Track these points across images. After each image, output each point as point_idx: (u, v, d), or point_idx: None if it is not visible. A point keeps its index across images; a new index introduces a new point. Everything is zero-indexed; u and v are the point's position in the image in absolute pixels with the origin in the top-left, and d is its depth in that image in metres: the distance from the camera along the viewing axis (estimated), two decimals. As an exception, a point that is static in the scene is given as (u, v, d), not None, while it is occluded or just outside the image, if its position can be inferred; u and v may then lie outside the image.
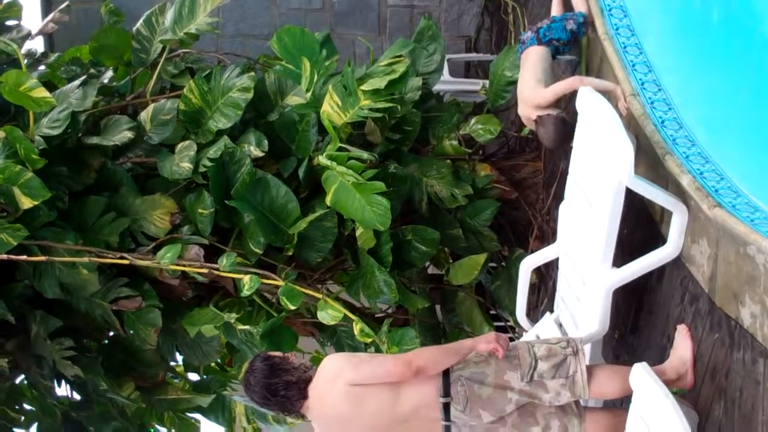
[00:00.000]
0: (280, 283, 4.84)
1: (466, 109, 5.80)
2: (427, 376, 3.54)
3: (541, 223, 5.76)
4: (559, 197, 5.42)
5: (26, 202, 4.78)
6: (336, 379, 3.53)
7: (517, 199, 5.79)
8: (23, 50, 5.55)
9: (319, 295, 4.47)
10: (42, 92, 4.71)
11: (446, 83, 6.64)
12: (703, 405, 3.76)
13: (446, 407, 3.56)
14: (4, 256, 4.74)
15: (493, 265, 5.98)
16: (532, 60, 4.80)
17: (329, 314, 4.80)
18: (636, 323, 4.53)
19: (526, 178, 5.90)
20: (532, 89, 4.69)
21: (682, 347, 3.91)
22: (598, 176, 4.03)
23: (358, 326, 4.15)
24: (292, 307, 4.79)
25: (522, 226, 5.93)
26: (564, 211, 4.55)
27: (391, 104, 5.10)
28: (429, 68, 5.79)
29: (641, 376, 3.38)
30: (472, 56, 7.46)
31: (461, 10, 7.39)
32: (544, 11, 6.05)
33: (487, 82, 6.05)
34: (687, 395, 3.89)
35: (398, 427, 3.59)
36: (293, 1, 7.39)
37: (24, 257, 4.76)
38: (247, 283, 4.82)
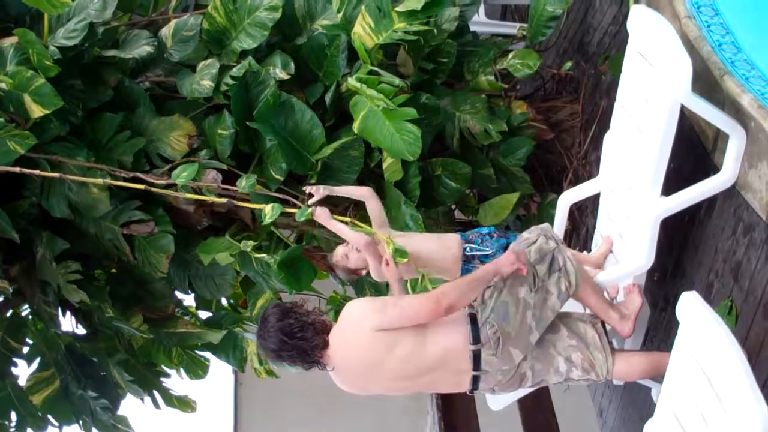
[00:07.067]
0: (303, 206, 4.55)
1: (503, 45, 5.50)
2: (454, 323, 3.32)
3: (576, 168, 5.46)
4: (597, 141, 5.16)
5: (36, 111, 4.54)
6: (361, 325, 3.24)
7: (553, 142, 5.50)
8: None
9: (347, 219, 4.21)
10: (58, -9, 4.43)
11: (482, 24, 6.36)
12: (757, 340, 3.47)
13: (476, 356, 3.31)
14: (13, 169, 4.49)
15: (523, 213, 5.68)
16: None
17: None
18: (679, 262, 4.24)
19: (563, 120, 5.60)
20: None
21: (630, 298, 3.82)
22: (650, 97, 3.73)
23: (390, 247, 3.89)
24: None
25: (556, 170, 5.65)
26: (609, 140, 4.25)
27: (426, 27, 4.84)
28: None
29: (691, 305, 3.11)
30: (510, -1, 7.17)
31: (500, -48, 7.13)
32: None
33: (524, 25, 5.76)
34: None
35: (423, 378, 3.34)
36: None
37: (32, 171, 4.50)
38: (269, 212, 4.53)
